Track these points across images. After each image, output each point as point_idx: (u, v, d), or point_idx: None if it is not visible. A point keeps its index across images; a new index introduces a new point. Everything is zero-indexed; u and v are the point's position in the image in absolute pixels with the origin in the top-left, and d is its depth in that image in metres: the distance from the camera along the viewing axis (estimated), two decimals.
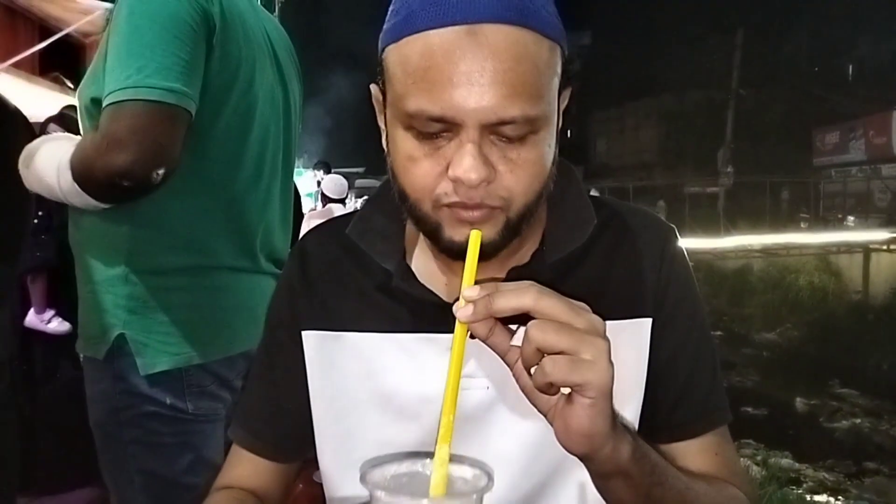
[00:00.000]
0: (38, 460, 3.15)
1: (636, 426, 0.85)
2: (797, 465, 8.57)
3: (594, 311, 0.81)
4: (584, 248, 0.85)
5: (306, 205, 6.73)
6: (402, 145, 0.74)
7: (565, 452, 0.76)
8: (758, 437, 8.78)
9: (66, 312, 3.15)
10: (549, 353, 0.63)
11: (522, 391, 0.70)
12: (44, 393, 3.14)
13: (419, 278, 0.85)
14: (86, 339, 1.41)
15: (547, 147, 0.75)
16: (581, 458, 0.70)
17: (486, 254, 0.75)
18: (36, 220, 2.90)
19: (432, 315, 0.82)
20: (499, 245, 0.76)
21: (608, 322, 0.82)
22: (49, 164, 1.30)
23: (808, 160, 25.88)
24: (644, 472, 0.71)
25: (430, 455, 0.65)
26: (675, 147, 30.40)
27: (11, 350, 3.06)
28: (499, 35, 0.68)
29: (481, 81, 0.68)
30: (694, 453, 0.87)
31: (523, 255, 0.84)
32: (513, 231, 0.76)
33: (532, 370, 0.65)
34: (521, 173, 0.73)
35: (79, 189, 1.26)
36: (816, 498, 7.32)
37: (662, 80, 31.75)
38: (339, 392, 0.88)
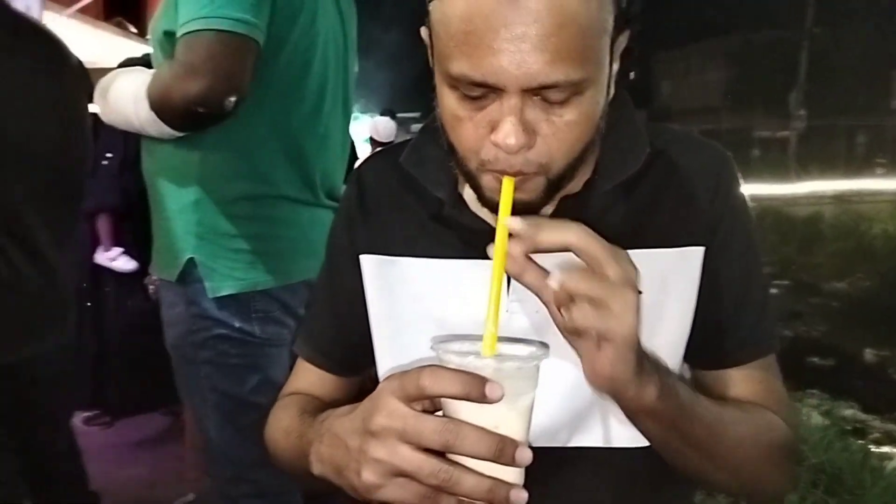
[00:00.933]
0: (111, 386, 3.32)
1: (681, 353, 0.86)
2: (862, 415, 8.40)
3: (645, 239, 0.83)
4: (636, 176, 0.85)
5: (363, 152, 6.78)
6: (448, 103, 0.74)
7: None
8: (823, 388, 8.62)
9: (133, 251, 3.26)
10: (578, 299, 0.64)
11: (557, 328, 0.70)
12: (115, 324, 3.28)
13: (470, 206, 0.87)
14: (160, 263, 1.50)
15: (594, 104, 0.74)
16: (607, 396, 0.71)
17: (530, 210, 0.76)
18: (105, 162, 3.02)
19: (482, 242, 0.83)
20: (537, 206, 0.77)
21: (659, 250, 0.84)
22: (125, 94, 1.35)
23: (885, 103, 24.70)
24: (670, 410, 0.72)
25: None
26: (744, 89, 29.39)
27: (77, 285, 3.22)
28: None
29: (522, 48, 0.66)
30: (739, 381, 0.87)
31: (576, 183, 0.84)
32: (554, 189, 0.77)
33: (563, 312, 0.67)
34: (564, 135, 0.73)
35: (155, 117, 1.30)
36: (883, 449, 7.19)
37: (730, 19, 30.52)
38: (396, 314, 0.91)
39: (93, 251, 3.28)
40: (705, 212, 0.85)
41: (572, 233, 0.65)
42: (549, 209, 0.82)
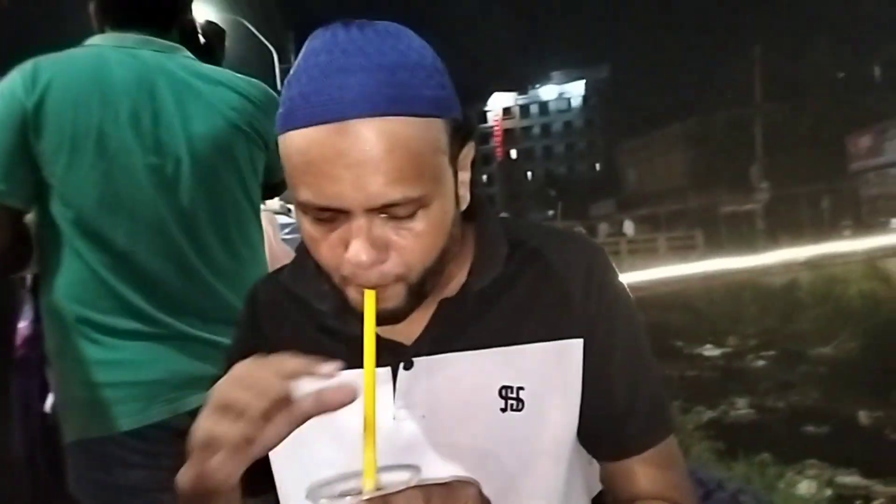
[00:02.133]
0: None
1: (569, 445, 0.86)
2: (866, 481, 8.19)
3: (524, 335, 0.85)
4: (511, 275, 0.87)
5: None
6: (304, 226, 0.78)
7: (508, 471, 0.82)
8: (822, 457, 8.43)
9: None
10: None
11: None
12: None
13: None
14: None
15: (442, 213, 0.77)
16: None
17: (397, 318, 0.79)
18: None
19: None
20: (406, 310, 0.79)
21: (538, 344, 0.86)
22: None
23: (843, 166, 25.43)
24: None
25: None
26: (706, 169, 30.19)
27: None
28: (369, 129, 0.70)
29: (359, 172, 0.70)
30: (640, 471, 0.87)
31: (453, 287, 0.87)
32: (417, 295, 0.79)
33: None
34: (416, 246, 0.76)
35: None
36: None
37: (685, 105, 31.76)
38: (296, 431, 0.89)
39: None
40: (580, 305, 0.87)
41: (419, 499, 0.65)
42: (429, 311, 0.84)
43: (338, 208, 0.72)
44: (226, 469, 0.67)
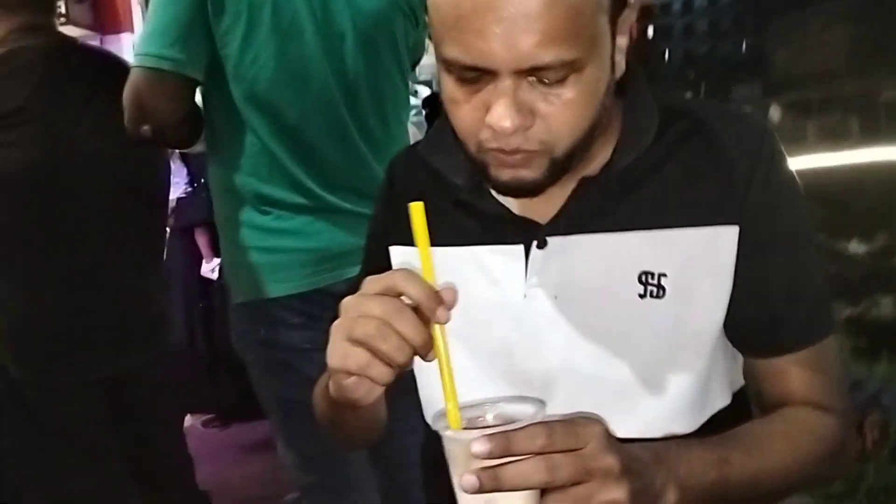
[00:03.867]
0: (221, 392, 3.52)
1: (715, 336, 0.81)
2: None
3: (673, 219, 0.79)
4: (664, 152, 0.82)
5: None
6: (446, 87, 0.74)
7: (643, 361, 0.79)
8: None
9: None
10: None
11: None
12: (223, 333, 3.48)
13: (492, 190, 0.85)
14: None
15: (595, 82, 0.72)
16: None
17: (534, 191, 0.75)
18: (197, 184, 3.34)
19: (501, 227, 0.84)
20: (543, 184, 0.75)
21: (688, 229, 0.80)
22: None
23: None
24: (700, 496, 0.69)
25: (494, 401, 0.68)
26: (866, 50, 27.36)
27: (187, 297, 3.48)
28: None
29: (511, 30, 0.66)
30: (792, 370, 0.82)
31: (596, 165, 0.82)
32: (560, 169, 0.75)
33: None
34: (564, 115, 0.71)
35: None
36: None
37: None
38: None
39: (199, 265, 3.53)
40: (742, 189, 0.80)
41: (540, 437, 0.60)
42: (568, 189, 0.81)
43: (484, 68, 0.69)
44: (361, 390, 0.68)
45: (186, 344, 3.46)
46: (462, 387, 0.66)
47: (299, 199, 1.48)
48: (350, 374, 0.67)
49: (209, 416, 3.66)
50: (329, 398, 0.77)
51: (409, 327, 0.65)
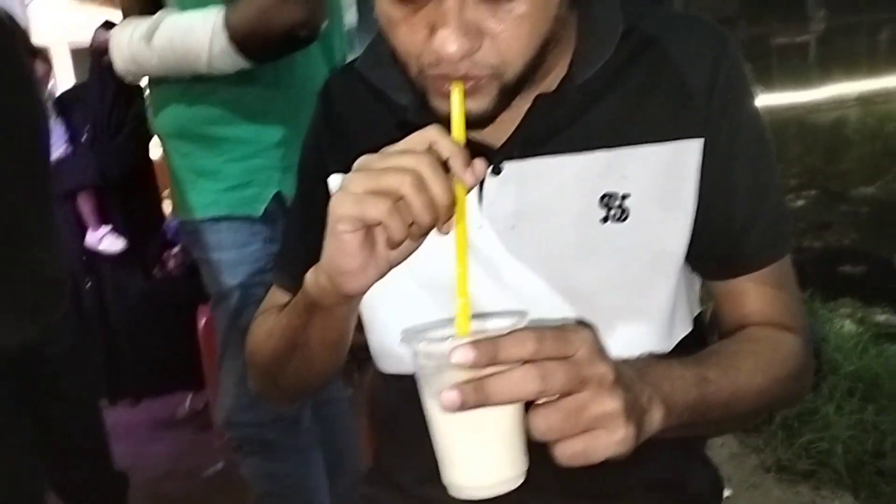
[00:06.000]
0: (126, 371, 3.33)
1: (681, 255, 0.78)
2: None
3: (634, 135, 0.76)
4: (620, 67, 0.77)
5: None
6: (381, 4, 0.67)
7: (608, 288, 0.75)
8: (855, 296, 8.47)
9: (121, 228, 3.20)
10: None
11: None
12: (119, 310, 3.25)
13: None
14: (231, 202, 1.50)
15: None
16: None
17: (483, 122, 0.69)
18: (82, 140, 2.98)
19: None
20: (493, 114, 0.69)
21: (650, 146, 0.76)
22: (196, 31, 1.33)
23: None
24: (681, 416, 0.65)
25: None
26: None
27: (72, 271, 3.18)
28: None
29: None
30: (752, 289, 0.81)
31: (551, 81, 0.77)
32: (510, 95, 0.69)
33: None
34: (516, 31, 0.64)
35: (232, 50, 1.31)
36: None
37: None
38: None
39: (83, 236, 3.21)
40: (703, 102, 0.76)
41: (530, 342, 0.53)
42: (522, 109, 0.75)
43: None
44: (366, 277, 0.63)
45: (76, 325, 3.21)
46: (415, 320, 0.63)
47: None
48: (360, 225, 0.59)
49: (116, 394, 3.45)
50: (299, 306, 0.71)
51: (441, 187, 0.58)
